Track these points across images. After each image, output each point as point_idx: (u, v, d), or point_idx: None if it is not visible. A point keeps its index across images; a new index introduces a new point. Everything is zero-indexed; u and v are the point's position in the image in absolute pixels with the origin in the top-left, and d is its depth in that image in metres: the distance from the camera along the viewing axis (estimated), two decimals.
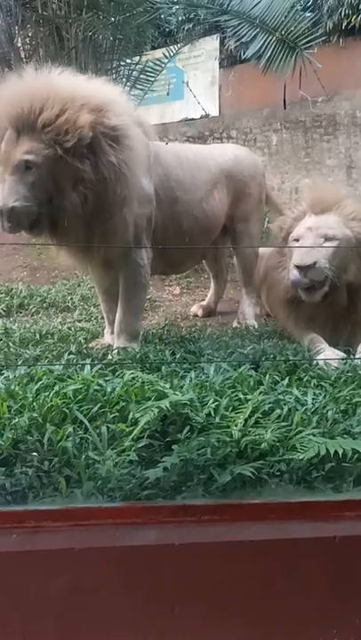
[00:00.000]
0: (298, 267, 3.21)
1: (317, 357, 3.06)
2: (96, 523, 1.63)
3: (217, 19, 5.74)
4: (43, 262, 5.43)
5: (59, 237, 3.09)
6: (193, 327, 3.99)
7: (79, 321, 4.05)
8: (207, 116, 11.53)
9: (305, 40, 5.19)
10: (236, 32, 5.42)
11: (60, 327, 3.70)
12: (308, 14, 6.59)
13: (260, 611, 1.58)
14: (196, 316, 4.54)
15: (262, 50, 5.22)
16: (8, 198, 2.83)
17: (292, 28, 5.18)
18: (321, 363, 2.91)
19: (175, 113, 11.94)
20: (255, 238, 4.41)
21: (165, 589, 1.55)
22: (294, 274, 3.25)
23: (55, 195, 2.92)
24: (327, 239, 3.29)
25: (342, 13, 9.99)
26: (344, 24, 10.00)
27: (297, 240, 3.39)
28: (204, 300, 4.77)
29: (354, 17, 9.88)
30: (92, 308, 4.28)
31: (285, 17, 5.17)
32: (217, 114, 11.64)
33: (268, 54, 5.20)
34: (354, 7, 9.87)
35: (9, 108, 2.87)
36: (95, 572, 1.54)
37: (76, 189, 2.93)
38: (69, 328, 3.71)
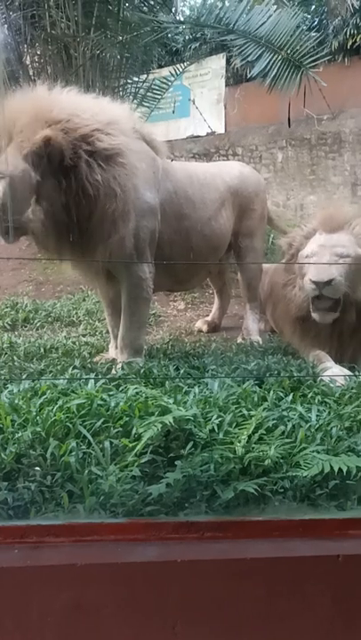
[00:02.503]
0: (315, 282, 3.19)
1: (323, 374, 3.05)
2: (98, 539, 1.62)
3: (223, 38, 5.81)
4: (48, 277, 5.46)
5: (58, 252, 3.15)
6: (197, 342, 3.99)
7: (84, 335, 4.05)
8: (213, 133, 11.64)
9: (310, 59, 5.26)
10: (242, 51, 5.48)
11: (64, 341, 3.70)
12: (314, 34, 6.66)
13: (263, 629, 1.56)
14: (200, 331, 4.54)
15: (268, 68, 5.28)
16: None
17: (298, 47, 5.24)
18: (326, 379, 2.91)
19: (181, 130, 12.06)
20: (259, 254, 4.43)
21: (167, 606, 1.54)
22: (310, 290, 3.23)
23: (20, 205, 2.99)
24: (342, 257, 3.29)
25: (347, 33, 10.13)
26: (349, 43, 10.13)
27: (310, 257, 3.37)
28: (208, 315, 4.77)
29: (359, 37, 10.01)
30: (96, 323, 4.29)
31: (291, 36, 5.23)
32: (223, 131, 11.74)
33: (274, 73, 5.26)
34: (359, 27, 10.01)
35: (3, 120, 2.99)
36: (97, 589, 1.53)
37: (40, 203, 2.97)
38: (74, 342, 3.72)
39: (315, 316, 3.30)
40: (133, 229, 3.25)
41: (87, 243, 3.12)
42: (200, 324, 4.61)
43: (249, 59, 5.40)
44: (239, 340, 4.18)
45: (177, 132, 11.95)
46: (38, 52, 6.51)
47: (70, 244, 3.10)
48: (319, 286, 3.19)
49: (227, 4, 5.93)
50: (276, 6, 5.88)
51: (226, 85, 11.59)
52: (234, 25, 5.39)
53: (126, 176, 3.12)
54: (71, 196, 2.98)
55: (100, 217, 3.07)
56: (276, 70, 5.20)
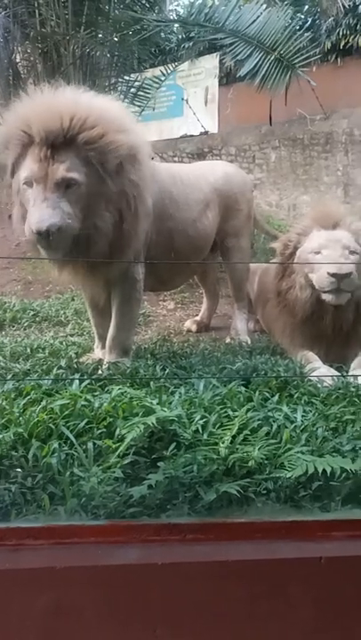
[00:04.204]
0: (335, 275, 3.15)
1: (312, 374, 3.04)
2: (78, 541, 1.60)
3: (213, 37, 5.80)
4: (37, 276, 5.42)
5: (84, 254, 2.97)
6: (185, 342, 3.97)
7: (71, 335, 4.03)
8: (206, 132, 11.62)
9: (300, 59, 5.25)
10: (232, 50, 5.47)
11: (51, 341, 3.67)
12: (307, 34, 6.67)
13: (245, 632, 1.55)
14: (189, 331, 4.52)
15: (257, 68, 5.26)
16: (54, 218, 2.68)
17: (287, 47, 5.23)
18: (314, 380, 2.90)
19: (174, 129, 12.05)
20: (246, 253, 4.41)
21: (148, 609, 1.52)
22: (328, 283, 3.19)
23: (89, 214, 2.86)
24: (350, 252, 3.28)
25: (340, 33, 10.14)
26: (342, 44, 10.14)
27: (317, 252, 3.32)
28: (197, 315, 4.76)
29: (351, 37, 10.04)
30: (85, 322, 4.25)
31: (281, 34, 5.22)
32: (216, 131, 11.73)
33: (263, 72, 5.24)
34: (351, 27, 10.03)
35: (43, 122, 2.76)
36: (77, 592, 1.51)
37: (108, 208, 2.92)
38: (61, 342, 3.69)
39: (329, 297, 3.24)
40: (143, 231, 3.26)
41: (110, 245, 3.04)
42: (189, 324, 4.60)
43: (238, 58, 5.39)
44: (228, 340, 4.17)
45: (170, 132, 11.94)
46: (28, 51, 6.48)
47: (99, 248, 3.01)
48: (338, 278, 3.16)
49: (216, 2, 5.93)
50: (265, 5, 5.88)
51: (219, 85, 11.58)
52: (223, 24, 5.38)
53: (147, 175, 3.13)
54: (117, 198, 2.95)
55: (126, 218, 3.04)
56: (265, 69, 5.19)
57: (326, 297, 3.25)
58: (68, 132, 2.76)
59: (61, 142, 2.77)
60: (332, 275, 3.15)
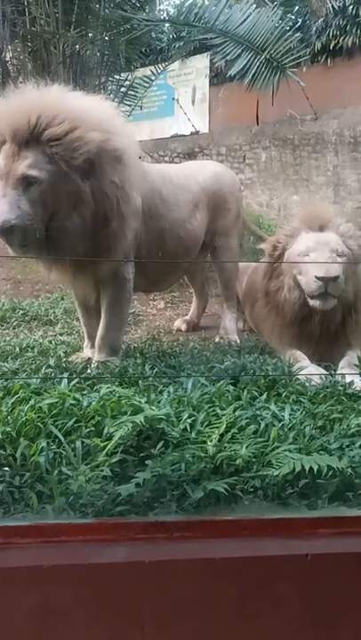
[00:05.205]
0: (322, 278, 3.14)
1: (300, 373, 3.05)
2: (66, 539, 1.60)
3: (203, 37, 5.81)
4: (27, 275, 5.39)
5: (57, 253, 3.00)
6: (175, 342, 3.98)
7: (61, 334, 4.02)
8: (197, 132, 11.63)
9: (290, 59, 5.27)
10: (222, 50, 5.48)
11: (40, 340, 3.67)
12: (297, 34, 6.69)
13: (232, 629, 1.55)
14: (179, 330, 4.52)
15: (247, 68, 5.27)
16: (9, 214, 2.71)
17: (277, 47, 5.24)
18: (302, 379, 2.91)
19: (165, 129, 12.05)
20: (235, 252, 4.42)
21: (136, 608, 1.52)
22: (316, 287, 3.19)
23: (55, 213, 2.86)
24: (338, 255, 3.27)
25: (330, 34, 10.18)
26: (332, 45, 10.18)
27: (305, 255, 3.31)
28: (187, 314, 4.76)
29: (341, 38, 10.07)
30: (74, 322, 4.25)
31: (271, 34, 5.24)
32: (207, 130, 11.74)
33: (253, 72, 5.25)
34: (341, 29, 10.07)
35: (11, 120, 2.80)
36: (64, 590, 1.51)
37: (77, 209, 2.90)
38: (50, 341, 3.69)
39: (316, 303, 3.23)
40: (131, 232, 3.25)
41: (89, 245, 3.03)
42: (179, 323, 4.60)
43: (228, 57, 5.41)
44: (217, 339, 4.17)
45: (161, 131, 11.95)
46: (18, 49, 6.47)
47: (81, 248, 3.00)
48: (325, 282, 3.15)
49: (206, 2, 5.94)
50: (255, 5, 5.90)
51: (210, 85, 11.59)
52: (213, 24, 5.39)
53: (133, 176, 3.13)
54: (95, 199, 2.94)
55: (110, 219, 3.04)
56: (255, 70, 5.21)
57: (314, 302, 3.25)
58: (33, 130, 2.78)
59: (28, 140, 2.80)
60: (320, 278, 3.15)
